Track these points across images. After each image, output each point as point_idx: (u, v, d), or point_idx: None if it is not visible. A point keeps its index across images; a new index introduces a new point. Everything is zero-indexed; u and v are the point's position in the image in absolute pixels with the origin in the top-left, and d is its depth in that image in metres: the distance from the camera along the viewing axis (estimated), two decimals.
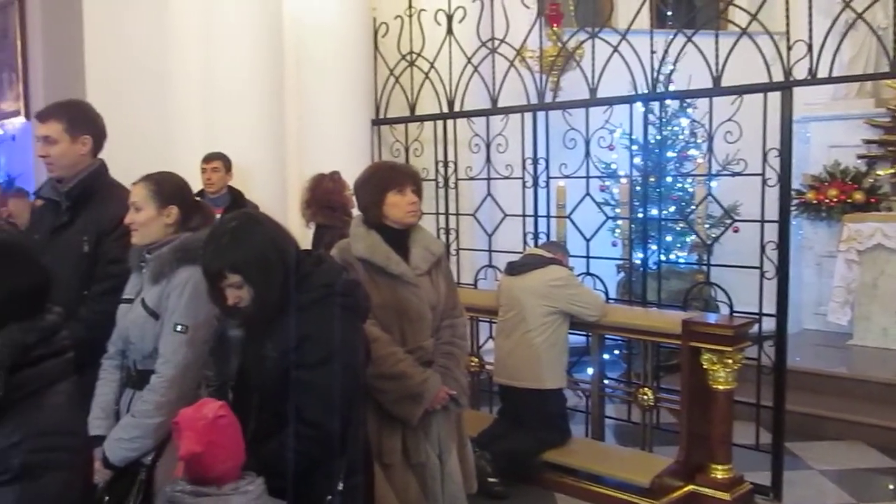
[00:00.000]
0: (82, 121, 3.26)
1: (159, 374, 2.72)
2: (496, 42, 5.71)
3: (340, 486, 2.47)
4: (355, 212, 3.44)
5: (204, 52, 5.57)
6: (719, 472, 4.44)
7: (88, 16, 5.42)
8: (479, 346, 5.75)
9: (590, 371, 5.28)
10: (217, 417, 2.18)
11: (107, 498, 2.66)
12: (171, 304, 2.75)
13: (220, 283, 2.47)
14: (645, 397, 4.90)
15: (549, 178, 5.66)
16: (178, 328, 2.71)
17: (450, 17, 5.85)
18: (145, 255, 2.86)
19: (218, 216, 3.05)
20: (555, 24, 6.49)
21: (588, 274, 5.41)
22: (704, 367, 4.41)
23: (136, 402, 2.77)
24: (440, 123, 6.11)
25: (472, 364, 5.47)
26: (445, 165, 6.14)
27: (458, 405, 3.34)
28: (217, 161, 5.49)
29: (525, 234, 5.75)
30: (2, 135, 9.87)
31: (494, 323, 5.20)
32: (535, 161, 5.63)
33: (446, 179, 6.15)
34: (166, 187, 2.89)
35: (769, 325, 4.60)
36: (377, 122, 6.57)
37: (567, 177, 5.54)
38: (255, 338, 2.53)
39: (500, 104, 5.76)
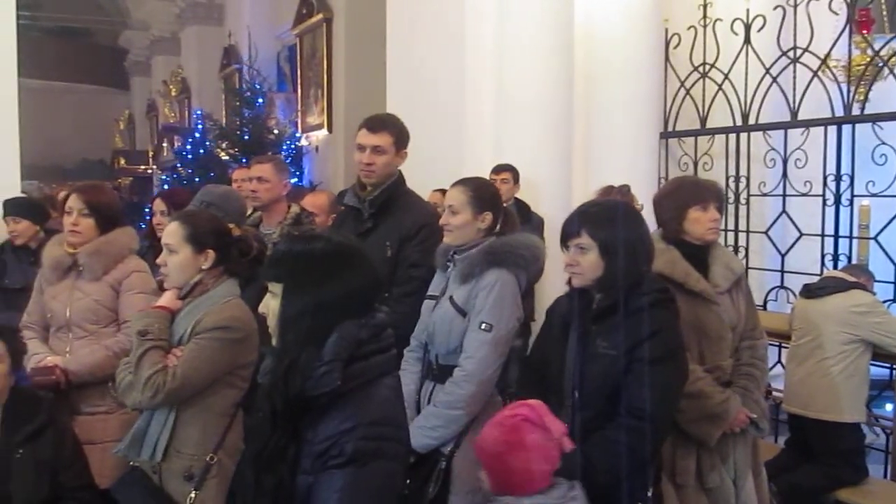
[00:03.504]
0: (405, 136, 3.48)
1: (462, 368, 2.84)
2: (798, 51, 5.43)
3: (650, 493, 2.50)
4: None
5: (497, 66, 5.70)
6: None
7: (391, 36, 5.78)
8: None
9: (889, 407, 4.87)
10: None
11: (409, 481, 2.77)
12: (478, 304, 2.86)
13: (568, 241, 2.62)
14: None
15: (853, 195, 5.28)
16: (483, 326, 2.82)
17: (748, 26, 5.65)
18: (452, 255, 3.00)
19: None
20: (865, 31, 6.05)
21: None
22: None
23: (439, 394, 2.90)
24: (732, 137, 5.92)
25: None
26: (737, 180, 5.93)
27: (758, 429, 3.19)
28: (506, 172, 5.59)
29: (823, 256, 5.41)
30: (307, 145, 10.76)
31: (785, 347, 4.93)
32: (838, 178, 5.28)
33: (737, 195, 5.93)
34: (484, 194, 3.01)
35: None
36: (665, 135, 6.47)
37: (874, 195, 5.15)
38: (581, 338, 2.61)
39: (800, 117, 5.47)
